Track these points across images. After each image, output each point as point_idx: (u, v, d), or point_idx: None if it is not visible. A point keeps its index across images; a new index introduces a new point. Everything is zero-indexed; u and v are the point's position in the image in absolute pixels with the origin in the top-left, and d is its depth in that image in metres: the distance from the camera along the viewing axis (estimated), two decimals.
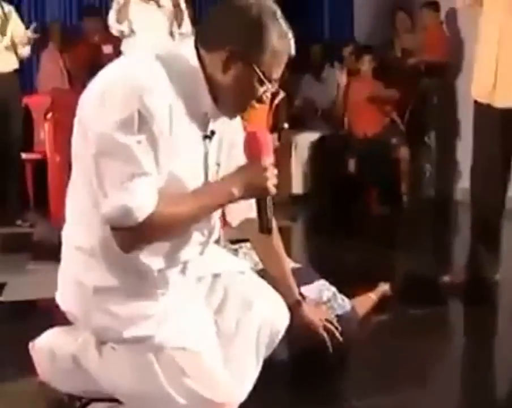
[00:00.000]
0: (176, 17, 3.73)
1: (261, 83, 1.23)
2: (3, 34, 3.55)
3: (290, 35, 1.24)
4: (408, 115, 4.36)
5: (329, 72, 4.85)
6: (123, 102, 1.12)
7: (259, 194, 1.27)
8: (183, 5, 3.77)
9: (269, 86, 1.24)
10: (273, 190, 1.26)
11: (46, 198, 3.50)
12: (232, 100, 1.25)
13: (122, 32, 3.78)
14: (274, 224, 1.42)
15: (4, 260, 3.03)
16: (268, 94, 1.27)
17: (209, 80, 1.23)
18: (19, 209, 3.85)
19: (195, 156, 1.27)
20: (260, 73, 1.21)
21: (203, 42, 1.24)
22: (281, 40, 1.21)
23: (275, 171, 1.27)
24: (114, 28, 3.80)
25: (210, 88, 1.24)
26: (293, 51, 1.25)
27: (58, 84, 4.69)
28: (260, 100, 1.27)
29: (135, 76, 1.16)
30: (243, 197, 1.27)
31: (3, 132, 3.67)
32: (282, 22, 1.22)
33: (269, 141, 1.30)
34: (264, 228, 1.28)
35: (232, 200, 1.27)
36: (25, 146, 4.33)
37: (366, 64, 4.25)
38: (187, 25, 3.79)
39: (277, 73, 1.25)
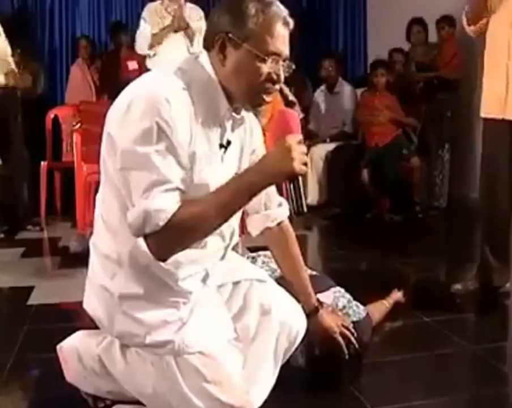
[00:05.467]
0: (189, 36, 3.81)
1: (262, 60, 1.20)
2: None
3: (277, 4, 1.22)
4: (421, 127, 4.37)
5: (342, 86, 4.88)
6: (143, 115, 1.16)
7: (286, 177, 1.18)
8: (193, 24, 3.82)
9: (270, 61, 1.20)
10: (300, 170, 1.15)
11: (73, 206, 3.59)
12: (241, 88, 1.24)
13: (148, 54, 3.90)
14: (292, 232, 1.44)
15: (32, 265, 3.10)
16: (280, 73, 1.23)
17: (220, 80, 1.24)
18: (29, 214, 3.98)
19: (214, 162, 1.29)
20: (253, 49, 1.19)
21: (205, 45, 1.27)
22: (266, 10, 1.19)
23: (304, 148, 1.17)
24: (141, 51, 3.91)
25: (223, 87, 1.25)
26: (287, 20, 1.22)
27: (85, 96, 4.79)
28: (272, 81, 1.23)
29: (154, 90, 1.18)
30: (269, 183, 1.20)
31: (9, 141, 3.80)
32: None
33: (296, 120, 1.22)
34: (297, 210, 1.20)
35: (256, 190, 1.19)
36: (54, 155, 4.48)
37: (379, 77, 4.28)
38: (201, 44, 3.85)
39: (274, 45, 1.20)
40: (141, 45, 3.87)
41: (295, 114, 1.25)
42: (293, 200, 1.20)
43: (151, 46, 3.82)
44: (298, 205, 1.19)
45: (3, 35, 3.74)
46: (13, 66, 3.74)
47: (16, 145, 3.84)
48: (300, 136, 1.19)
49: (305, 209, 1.20)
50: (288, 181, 1.19)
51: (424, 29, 4.60)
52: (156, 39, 3.81)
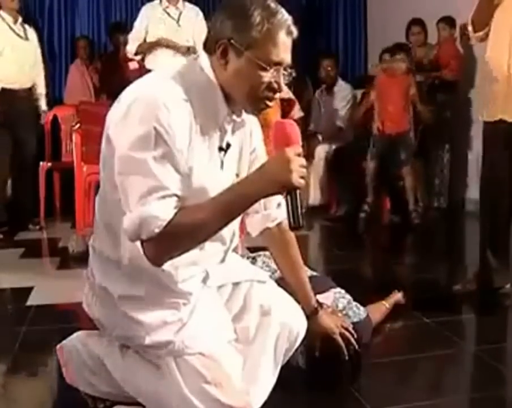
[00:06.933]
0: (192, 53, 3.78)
1: (264, 69, 1.20)
2: None
3: (282, 13, 1.21)
4: (421, 127, 4.35)
5: (341, 86, 4.87)
6: (141, 120, 1.15)
7: (283, 189, 1.17)
8: (197, 45, 3.77)
9: (272, 70, 1.20)
10: (298, 183, 1.14)
11: (73, 206, 3.59)
12: (242, 93, 1.23)
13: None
14: (291, 233, 1.43)
15: (32, 265, 3.10)
16: (282, 82, 1.23)
17: (220, 84, 1.24)
18: (31, 213, 4.01)
19: (213, 168, 1.28)
20: (255, 58, 1.18)
21: (206, 48, 1.26)
22: (271, 18, 1.18)
23: (302, 161, 1.16)
24: (130, 55, 3.91)
25: (223, 91, 1.24)
26: (291, 29, 1.22)
27: (84, 96, 4.80)
28: (273, 89, 1.23)
29: (153, 95, 1.17)
30: (267, 193, 1.19)
31: (21, 142, 3.84)
32: (270, 3, 1.21)
33: (296, 131, 1.20)
34: (293, 224, 1.18)
35: (253, 199, 1.19)
36: (53, 156, 4.48)
37: (400, 62, 4.09)
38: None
39: (276, 55, 1.20)
40: (131, 49, 3.88)
41: (295, 125, 1.23)
42: (289, 213, 1.18)
43: (136, 53, 3.83)
44: (294, 220, 1.18)
45: (35, 39, 3.85)
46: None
47: (25, 145, 3.85)
48: (300, 149, 1.18)
49: (301, 223, 1.18)
50: (285, 194, 1.18)
51: (424, 30, 4.60)
52: (141, 49, 3.81)
